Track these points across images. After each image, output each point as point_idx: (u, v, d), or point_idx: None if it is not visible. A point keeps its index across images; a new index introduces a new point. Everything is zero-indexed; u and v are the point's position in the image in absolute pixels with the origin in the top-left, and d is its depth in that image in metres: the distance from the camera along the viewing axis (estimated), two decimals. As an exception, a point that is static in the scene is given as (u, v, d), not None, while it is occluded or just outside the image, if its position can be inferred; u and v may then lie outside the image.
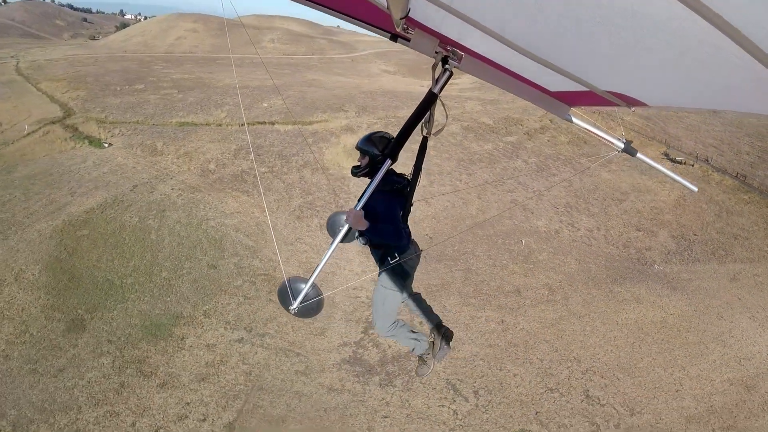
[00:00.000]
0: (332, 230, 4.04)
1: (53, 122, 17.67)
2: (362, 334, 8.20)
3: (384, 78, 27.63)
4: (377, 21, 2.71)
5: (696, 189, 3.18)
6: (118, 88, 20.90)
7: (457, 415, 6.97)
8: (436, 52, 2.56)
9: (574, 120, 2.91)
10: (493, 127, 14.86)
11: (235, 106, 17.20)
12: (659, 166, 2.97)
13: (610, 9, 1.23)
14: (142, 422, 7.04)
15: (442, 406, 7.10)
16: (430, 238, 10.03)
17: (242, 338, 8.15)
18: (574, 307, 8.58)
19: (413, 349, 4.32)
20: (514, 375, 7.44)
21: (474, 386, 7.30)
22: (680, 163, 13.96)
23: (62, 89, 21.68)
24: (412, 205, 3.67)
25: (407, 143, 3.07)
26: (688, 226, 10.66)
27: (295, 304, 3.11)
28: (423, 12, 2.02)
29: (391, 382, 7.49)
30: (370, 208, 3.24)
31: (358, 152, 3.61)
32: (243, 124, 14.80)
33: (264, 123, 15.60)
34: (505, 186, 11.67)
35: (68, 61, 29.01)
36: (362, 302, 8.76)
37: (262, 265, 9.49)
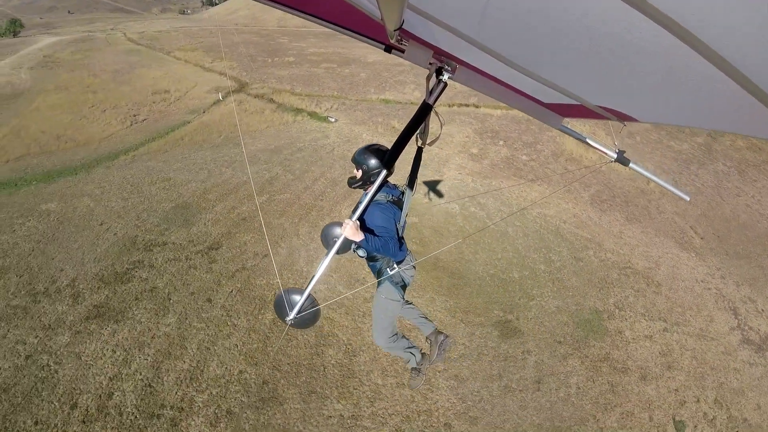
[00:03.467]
0: (326, 241, 4.24)
1: (234, 92, 15.64)
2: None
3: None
4: (371, 32, 2.73)
5: (688, 198, 3.23)
6: (269, 60, 18.16)
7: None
8: (430, 63, 2.58)
9: (568, 130, 2.98)
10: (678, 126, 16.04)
11: (415, 85, 15.61)
12: (651, 176, 3.02)
13: (599, 34, 1.25)
14: (653, 414, 7.00)
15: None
16: (719, 236, 11.30)
17: (666, 328, 8.38)
18: None
19: (408, 362, 4.57)
20: None
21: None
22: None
23: (206, 59, 19.63)
24: (407, 216, 3.71)
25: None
26: None
27: (292, 315, 3.20)
28: (417, 24, 2.04)
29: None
30: (366, 221, 3.33)
31: (354, 164, 3.69)
32: (452, 105, 13.71)
33: (468, 105, 14.63)
34: (727, 191, 13.34)
35: (180, 32, 26.62)
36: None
37: (618, 259, 9.57)
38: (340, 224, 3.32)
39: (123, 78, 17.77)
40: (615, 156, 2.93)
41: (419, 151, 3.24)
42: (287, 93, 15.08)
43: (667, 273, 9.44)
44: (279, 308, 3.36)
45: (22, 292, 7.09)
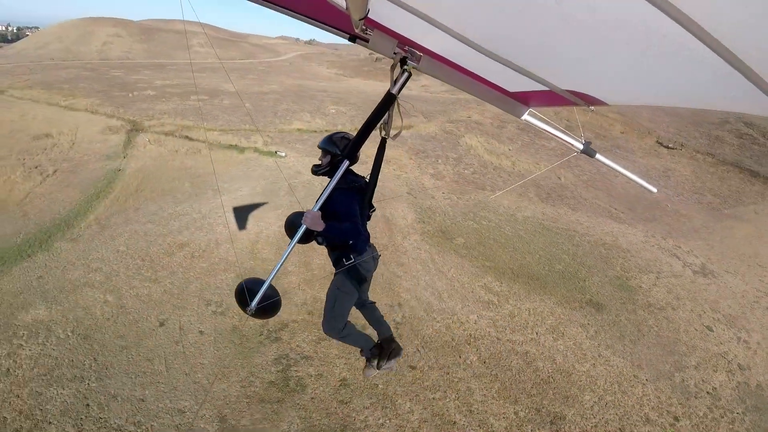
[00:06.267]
0: (290, 231, 4.15)
1: (133, 131, 13.96)
2: None
3: (352, 82, 30.13)
4: (335, 22, 2.77)
5: (655, 190, 3.26)
6: (129, 95, 16.29)
7: None
8: (395, 53, 2.59)
9: (533, 120, 2.89)
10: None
11: (309, 112, 16.19)
12: (618, 167, 2.99)
13: (571, 4, 1.21)
14: (695, 327, 9.34)
15: None
16: (630, 209, 14.95)
17: (657, 276, 10.92)
18: None
19: (362, 350, 4.50)
20: None
21: None
22: (673, 148, 17.85)
23: (58, 97, 16.45)
24: (373, 209, 3.75)
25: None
26: None
27: (252, 305, 3.18)
28: (382, 12, 2.06)
29: None
30: (329, 207, 3.31)
31: (320, 151, 3.76)
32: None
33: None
34: (608, 173, 17.56)
35: (-6, 72, 19.84)
36: None
37: (594, 239, 12.01)
38: (302, 214, 3.22)
39: (-30, 124, 13.64)
40: (581, 147, 2.89)
41: (383, 141, 3.25)
42: (199, 129, 13.77)
43: (625, 241, 12.55)
44: (239, 299, 3.31)
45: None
